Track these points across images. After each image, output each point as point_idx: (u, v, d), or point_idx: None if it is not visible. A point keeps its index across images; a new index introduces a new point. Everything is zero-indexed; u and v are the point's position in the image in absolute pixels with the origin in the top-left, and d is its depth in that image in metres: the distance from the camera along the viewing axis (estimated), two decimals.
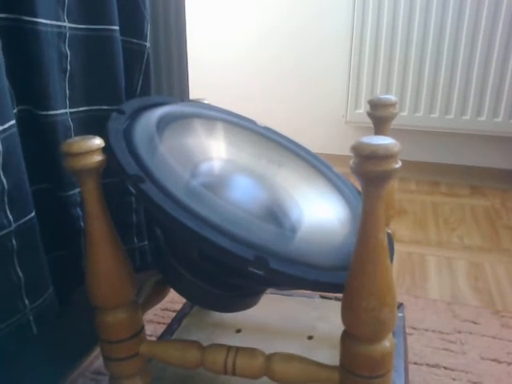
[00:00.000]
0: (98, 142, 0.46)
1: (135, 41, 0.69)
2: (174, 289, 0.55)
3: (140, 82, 0.71)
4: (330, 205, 0.59)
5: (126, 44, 0.68)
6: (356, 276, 0.40)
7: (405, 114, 1.52)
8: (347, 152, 1.58)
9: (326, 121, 1.65)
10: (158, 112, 0.57)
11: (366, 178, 0.37)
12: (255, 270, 0.40)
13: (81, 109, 0.63)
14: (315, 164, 0.67)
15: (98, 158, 0.45)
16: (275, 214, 0.59)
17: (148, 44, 0.70)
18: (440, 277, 1.04)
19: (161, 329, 0.82)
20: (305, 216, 0.58)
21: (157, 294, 0.59)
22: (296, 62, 1.65)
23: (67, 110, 0.61)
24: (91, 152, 0.45)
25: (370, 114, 0.64)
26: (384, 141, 0.37)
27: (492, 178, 1.58)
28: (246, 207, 0.57)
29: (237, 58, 1.70)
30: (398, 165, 0.37)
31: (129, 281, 0.50)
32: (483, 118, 1.46)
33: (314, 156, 0.69)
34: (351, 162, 0.39)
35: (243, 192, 0.60)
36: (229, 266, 0.42)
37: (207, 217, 0.43)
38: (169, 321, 0.85)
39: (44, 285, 0.56)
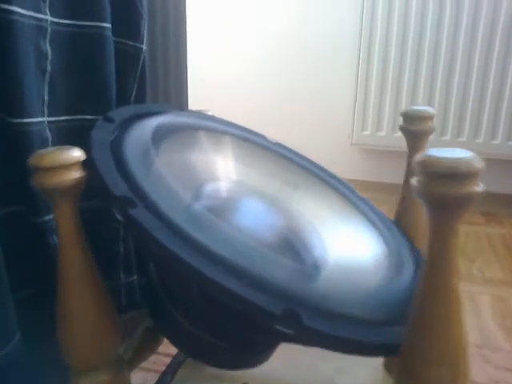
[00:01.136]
0: (76, 154, 0.36)
1: (130, 43, 0.60)
2: (168, 338, 0.44)
3: (134, 90, 0.61)
4: (358, 236, 0.49)
5: (119, 46, 0.59)
6: (420, 337, 0.30)
7: None
8: (352, 176, 1.49)
9: (329, 142, 1.56)
10: (155, 121, 0.47)
11: (439, 203, 0.27)
12: (284, 329, 0.30)
13: (62, 118, 0.54)
14: (335, 186, 0.57)
15: (75, 174, 0.35)
16: (293, 247, 0.48)
17: (145, 47, 0.61)
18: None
19: (151, 378, 0.71)
20: (329, 250, 0.48)
21: (148, 345, 0.48)
22: (298, 81, 1.58)
23: (45, 119, 0.51)
24: (67, 166, 0.35)
25: (403, 129, 0.54)
26: (462, 154, 0.27)
27: (506, 204, 1.49)
28: (259, 238, 0.47)
29: (238, 76, 1.62)
30: (481, 187, 0.28)
31: (112, 333, 0.39)
32: (497, 142, 1.39)
33: (333, 176, 0.60)
34: (414, 180, 0.29)
35: (255, 219, 0.50)
36: (243, 317, 0.32)
37: (215, 251, 0.33)
38: (161, 368, 0.73)
39: (8, 332, 0.45)
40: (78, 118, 0.55)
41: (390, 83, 1.42)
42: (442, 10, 1.33)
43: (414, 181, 0.29)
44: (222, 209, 0.46)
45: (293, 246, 0.49)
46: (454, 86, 1.37)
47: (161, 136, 0.46)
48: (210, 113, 0.60)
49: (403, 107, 1.43)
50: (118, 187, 0.34)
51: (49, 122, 0.52)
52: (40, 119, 0.50)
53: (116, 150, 0.39)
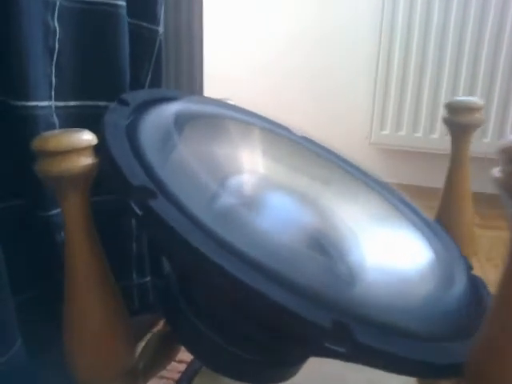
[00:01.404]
0: (87, 137, 0.31)
1: (145, 25, 0.55)
2: (187, 348, 0.39)
3: (149, 76, 0.57)
4: (399, 240, 0.44)
5: (133, 28, 0.54)
6: (494, 356, 0.25)
7: (436, 136, 1.38)
8: None
9: (346, 142, 1.49)
10: (174, 107, 0.43)
11: None
12: (334, 347, 0.25)
13: (70, 103, 0.49)
14: (369, 183, 0.52)
15: (86, 160, 0.30)
16: (325, 251, 0.43)
17: (161, 30, 0.57)
18: None
19: None
20: (366, 255, 0.43)
21: (164, 353, 0.43)
22: (315, 78, 1.52)
23: (52, 103, 0.46)
24: (77, 151, 0.30)
25: (447, 121, 0.49)
26: None
27: None
28: (288, 239, 0.42)
29: (252, 72, 1.57)
30: None
31: (126, 340, 0.34)
32: None
33: (366, 173, 0.55)
34: (497, 171, 0.24)
35: (283, 217, 0.45)
36: (278, 327, 0.27)
37: (247, 251, 0.28)
38: (174, 375, 0.69)
39: (9, 338, 0.40)
40: (88, 105, 0.51)
41: (411, 81, 1.36)
42: (467, 3, 1.28)
43: (496, 172, 0.24)
44: (247, 205, 0.41)
45: (325, 249, 0.43)
46: (478, 86, 1.32)
47: (182, 123, 0.41)
48: (231, 102, 0.55)
49: (424, 106, 1.38)
50: (137, 176, 0.29)
51: (56, 107, 0.47)
52: (46, 103, 0.45)
53: (132, 135, 0.34)
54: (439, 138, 1.37)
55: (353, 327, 0.26)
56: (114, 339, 0.33)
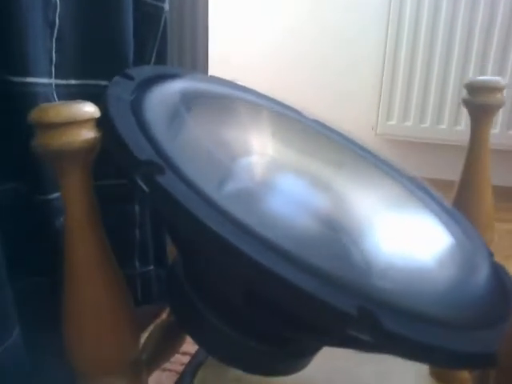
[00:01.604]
0: (89, 108, 0.29)
1: (151, 1, 0.53)
2: (194, 339, 0.37)
3: (154, 54, 0.54)
4: (417, 226, 0.42)
5: (138, 5, 0.52)
6: None
7: (444, 126, 1.35)
8: None
9: (352, 132, 1.48)
10: (183, 85, 0.40)
11: None
12: (359, 335, 0.23)
13: (72, 82, 0.47)
14: (384, 168, 0.50)
15: (88, 133, 0.28)
16: (339, 236, 0.41)
17: (167, 7, 0.54)
18: None
19: (167, 378, 0.64)
20: (383, 241, 0.41)
21: (169, 344, 0.41)
22: (320, 64, 1.49)
23: (52, 81, 0.44)
24: (78, 123, 0.28)
25: (467, 102, 0.47)
26: None
27: None
28: (300, 223, 0.39)
29: (256, 59, 1.54)
30: None
31: (130, 330, 0.32)
32: None
33: (380, 157, 0.52)
34: None
35: (294, 202, 0.42)
36: (291, 313, 0.25)
37: (262, 233, 0.26)
38: (178, 367, 0.67)
39: (6, 326, 0.38)
40: (90, 84, 0.48)
41: (419, 69, 1.33)
42: None
43: None
44: (259, 187, 0.39)
45: (338, 235, 0.41)
46: (488, 72, 1.29)
47: (190, 101, 0.39)
48: (239, 82, 0.53)
49: (432, 96, 1.35)
50: (143, 150, 0.27)
51: (56, 85, 0.45)
52: (46, 80, 0.43)
53: (137, 110, 0.32)
54: (447, 129, 1.35)
55: (379, 314, 0.24)
56: (116, 330, 0.31)
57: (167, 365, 0.68)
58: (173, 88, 0.38)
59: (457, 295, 0.32)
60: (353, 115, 1.48)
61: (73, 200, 0.29)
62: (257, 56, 1.55)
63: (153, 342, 0.40)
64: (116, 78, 0.35)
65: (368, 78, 1.44)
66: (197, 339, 0.37)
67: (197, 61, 0.77)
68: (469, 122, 1.42)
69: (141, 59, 0.53)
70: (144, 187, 0.25)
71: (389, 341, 0.23)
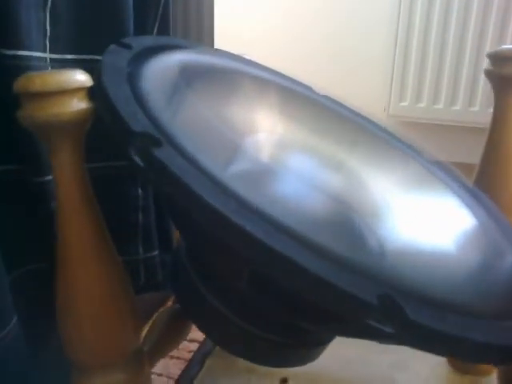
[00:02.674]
0: (80, 77, 0.26)
1: None
2: (200, 328, 0.35)
3: (155, 29, 0.51)
4: (437, 207, 0.39)
5: None
6: None
7: (458, 107, 1.31)
8: None
9: (365, 113, 1.44)
10: (186, 56, 0.38)
11: None
12: (381, 326, 0.20)
13: (67, 56, 0.44)
14: (400, 146, 0.47)
15: (79, 104, 0.26)
16: (353, 219, 0.38)
17: None
18: None
19: (174, 366, 0.63)
20: (401, 223, 0.38)
21: (174, 333, 0.39)
22: (328, 43, 1.45)
23: (46, 55, 0.41)
24: (68, 93, 0.25)
25: (490, 73, 0.44)
26: None
27: None
28: (314, 204, 0.37)
29: (266, 33, 1.49)
30: None
31: (130, 320, 0.30)
32: None
33: (396, 136, 0.49)
34: None
35: (305, 182, 0.40)
36: (304, 302, 0.22)
37: (271, 214, 0.23)
38: (185, 355, 0.65)
39: (4, 315, 0.36)
40: (88, 59, 0.45)
41: (433, 49, 1.29)
42: None
43: None
44: (267, 167, 0.37)
45: (352, 218, 0.39)
46: None
47: (192, 74, 0.36)
48: (246, 57, 0.50)
49: (446, 76, 1.30)
50: (138, 121, 0.24)
51: (51, 59, 0.42)
52: (40, 54, 0.40)
53: (134, 81, 0.29)
54: (462, 110, 1.30)
55: (403, 302, 0.21)
56: (114, 319, 0.28)
57: (174, 352, 0.66)
58: (174, 59, 0.36)
59: (482, 282, 0.29)
60: (364, 96, 1.43)
61: (63, 178, 0.27)
62: (265, 31, 1.51)
63: (156, 331, 0.38)
64: (112, 47, 0.33)
65: (379, 58, 1.39)
66: (203, 328, 0.35)
67: (202, 35, 0.74)
68: (484, 103, 1.38)
69: (142, 32, 0.50)
70: (138, 161, 0.22)
71: (413, 332, 0.21)
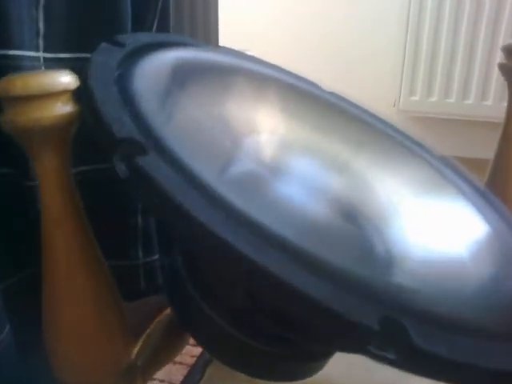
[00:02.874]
0: (64, 79, 0.24)
1: None
2: (197, 341, 0.33)
3: (155, 25, 0.50)
4: (448, 212, 0.37)
5: None
6: None
7: (470, 101, 1.28)
8: None
9: (374, 108, 1.41)
10: (183, 54, 0.36)
11: None
12: (382, 353, 0.18)
13: (62, 55, 0.42)
14: (412, 147, 0.45)
15: (63, 107, 0.24)
16: (360, 225, 0.36)
17: None
18: None
19: (177, 372, 0.61)
20: (410, 233, 0.36)
21: (169, 347, 0.37)
22: (335, 38, 1.42)
23: (40, 54, 0.40)
24: (51, 96, 0.24)
25: (504, 67, 0.42)
26: None
27: None
28: (314, 213, 0.35)
29: (271, 28, 1.47)
30: None
31: (119, 337, 0.28)
32: None
33: (406, 135, 0.47)
34: None
35: (308, 187, 0.38)
36: (299, 322, 0.21)
37: (268, 227, 0.21)
38: (187, 360, 0.64)
39: None
40: (83, 57, 0.44)
41: (444, 41, 1.25)
42: None
43: None
44: (267, 170, 0.35)
45: (358, 224, 0.37)
46: None
47: (189, 73, 0.34)
48: (249, 53, 0.48)
49: (458, 69, 1.27)
50: (124, 126, 0.23)
51: (45, 59, 0.40)
52: (33, 53, 0.39)
53: (124, 81, 0.28)
54: (475, 104, 1.27)
55: (407, 325, 0.19)
56: (103, 335, 0.27)
57: (177, 357, 0.65)
58: (170, 57, 0.34)
59: (495, 295, 0.27)
60: (372, 90, 1.41)
61: (48, 186, 0.25)
62: (271, 23, 1.48)
63: (151, 344, 0.36)
64: (103, 45, 0.31)
65: (389, 50, 1.36)
66: (199, 340, 0.33)
67: (209, 32, 0.72)
68: (497, 96, 1.34)
69: (141, 29, 0.48)
70: (120, 170, 0.20)
71: (419, 359, 0.19)
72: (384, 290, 0.22)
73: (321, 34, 1.43)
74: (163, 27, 0.50)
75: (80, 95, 0.25)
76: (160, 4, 0.49)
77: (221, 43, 0.78)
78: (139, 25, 0.48)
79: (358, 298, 0.20)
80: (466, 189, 0.40)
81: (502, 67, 0.42)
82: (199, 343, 0.33)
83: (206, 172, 0.24)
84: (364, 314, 0.19)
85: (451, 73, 1.27)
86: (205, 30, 0.70)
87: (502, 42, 1.22)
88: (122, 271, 0.51)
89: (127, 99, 0.26)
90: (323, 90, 0.48)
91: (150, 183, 0.20)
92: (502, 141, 0.45)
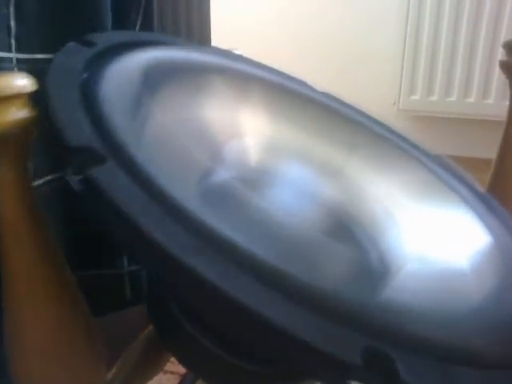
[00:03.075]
0: (20, 82, 0.22)
1: None
2: (180, 361, 0.31)
3: (138, 25, 0.47)
4: (447, 220, 0.35)
5: None
6: None
7: (472, 100, 1.25)
8: None
9: (373, 107, 1.38)
10: (161, 54, 0.34)
11: None
12: None
13: (38, 56, 0.40)
14: (406, 149, 0.43)
15: (17, 113, 0.22)
16: (352, 235, 0.34)
17: None
18: None
19: (168, 382, 0.60)
20: (406, 242, 0.34)
21: (148, 367, 0.35)
22: (334, 36, 1.40)
23: (12, 55, 0.38)
24: (4, 100, 0.21)
25: (505, 65, 0.39)
26: None
27: None
28: (302, 222, 0.33)
29: (271, 30, 1.45)
30: None
31: (89, 356, 0.26)
32: None
33: (402, 137, 0.45)
34: None
35: (296, 194, 0.36)
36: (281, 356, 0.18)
37: (242, 246, 0.19)
38: (179, 369, 0.62)
39: None
40: None
41: (444, 39, 1.23)
42: None
43: None
44: (249, 180, 0.33)
45: (350, 234, 0.35)
46: None
47: (164, 73, 0.32)
48: (237, 52, 0.46)
49: (459, 67, 1.25)
50: (81, 133, 0.21)
51: (19, 60, 0.38)
52: (4, 54, 0.37)
53: (90, 84, 0.25)
54: (476, 103, 1.25)
55: (394, 357, 0.17)
56: (69, 354, 0.25)
57: (169, 366, 0.63)
58: (145, 58, 0.32)
59: (498, 314, 0.25)
60: (372, 90, 1.39)
61: (4, 198, 0.23)
62: (267, 24, 1.46)
63: (129, 364, 0.34)
64: (70, 45, 0.29)
65: (388, 48, 1.34)
66: (182, 361, 0.31)
67: (204, 32, 0.70)
68: (499, 95, 1.31)
69: (123, 28, 0.46)
70: (72, 182, 0.18)
71: None
72: (369, 314, 0.19)
73: (319, 33, 1.41)
74: (147, 26, 0.48)
75: (38, 99, 0.23)
76: (143, 2, 0.47)
77: (215, 43, 0.76)
78: (121, 23, 0.46)
79: (338, 325, 0.17)
80: (467, 194, 0.38)
81: (502, 65, 0.39)
82: (182, 364, 0.31)
83: (177, 184, 0.22)
84: (344, 346, 0.17)
85: (452, 71, 1.25)
86: (200, 29, 0.68)
87: (503, 38, 1.20)
88: (107, 280, 0.49)
89: (90, 104, 0.24)
90: (315, 91, 0.46)
91: (102, 197, 0.18)
92: (504, 140, 0.43)
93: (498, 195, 0.41)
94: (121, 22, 0.46)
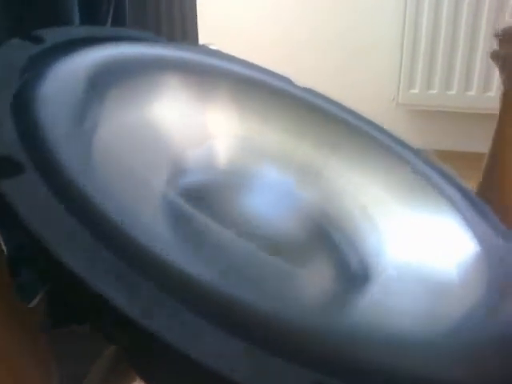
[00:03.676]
0: None
1: None
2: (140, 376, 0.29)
3: (109, 18, 0.45)
4: (435, 226, 0.33)
5: None
6: None
7: (472, 93, 1.24)
8: None
9: (372, 102, 1.35)
10: (115, 51, 0.31)
11: None
12: None
13: None
14: (394, 149, 0.40)
15: None
16: (329, 243, 0.32)
17: None
18: None
19: None
20: (387, 248, 0.32)
21: (122, 373, 0.33)
22: (330, 28, 1.37)
23: None
24: None
25: (496, 55, 0.39)
26: None
27: None
28: (276, 230, 0.30)
29: (266, 26, 1.43)
30: None
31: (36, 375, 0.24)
32: None
33: (390, 135, 0.43)
34: None
35: (271, 201, 0.33)
36: None
37: (182, 269, 0.17)
38: None
39: None
40: None
41: (444, 30, 1.21)
42: None
43: None
44: (213, 189, 0.30)
45: (330, 239, 0.33)
46: None
47: (118, 73, 0.29)
48: (213, 47, 0.43)
49: (459, 60, 1.23)
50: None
51: None
52: None
53: (30, 85, 0.23)
54: (477, 96, 1.23)
55: None
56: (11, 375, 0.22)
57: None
58: (99, 56, 0.29)
59: (477, 338, 0.22)
60: (369, 84, 1.37)
61: None
62: (264, 18, 1.44)
63: (98, 374, 0.32)
64: (12, 41, 0.26)
65: (386, 41, 1.32)
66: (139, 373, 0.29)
67: (186, 30, 0.68)
68: (501, 87, 1.28)
69: (93, 23, 0.44)
70: None
71: None
72: (322, 344, 0.17)
73: (315, 27, 1.39)
74: (118, 21, 0.45)
75: None
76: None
77: (206, 39, 0.74)
78: (91, 16, 0.44)
79: (285, 360, 0.15)
80: (456, 197, 0.35)
81: (493, 55, 0.38)
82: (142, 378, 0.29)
83: (118, 197, 0.19)
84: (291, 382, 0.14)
85: (452, 63, 1.23)
86: (183, 23, 0.66)
87: None
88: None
89: (24, 107, 0.21)
90: (296, 86, 0.43)
91: (9, 213, 0.15)
92: (497, 134, 0.42)
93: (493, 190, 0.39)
94: (90, 15, 0.44)
